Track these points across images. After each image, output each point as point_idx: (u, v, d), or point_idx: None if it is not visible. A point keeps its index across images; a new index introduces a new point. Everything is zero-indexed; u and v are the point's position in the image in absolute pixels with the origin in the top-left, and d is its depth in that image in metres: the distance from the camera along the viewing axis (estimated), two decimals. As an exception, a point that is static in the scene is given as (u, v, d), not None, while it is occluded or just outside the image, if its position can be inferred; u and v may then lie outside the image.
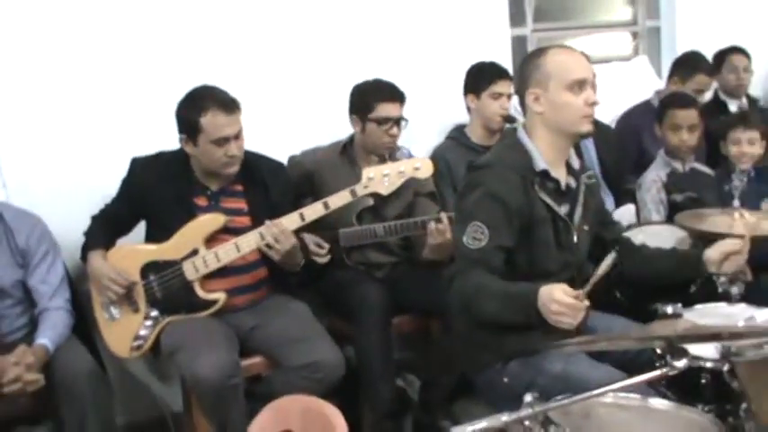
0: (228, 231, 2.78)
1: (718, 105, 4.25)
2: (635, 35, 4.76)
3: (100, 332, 2.87)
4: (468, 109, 3.54)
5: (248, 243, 2.73)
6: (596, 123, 3.79)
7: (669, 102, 3.39)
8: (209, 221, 2.77)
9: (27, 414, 2.69)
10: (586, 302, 1.92)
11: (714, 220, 2.62)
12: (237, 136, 2.71)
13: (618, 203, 3.71)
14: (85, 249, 2.85)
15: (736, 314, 2.33)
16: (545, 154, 2.28)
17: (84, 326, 2.87)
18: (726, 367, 1.82)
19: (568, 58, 2.26)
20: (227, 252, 2.74)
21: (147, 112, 3.19)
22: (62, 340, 2.65)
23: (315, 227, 2.88)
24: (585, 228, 2.38)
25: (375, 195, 2.83)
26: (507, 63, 3.98)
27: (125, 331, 2.81)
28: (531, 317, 2.01)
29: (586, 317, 1.99)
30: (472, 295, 2.13)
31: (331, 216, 2.87)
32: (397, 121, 3.11)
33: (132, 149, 2.92)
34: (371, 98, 3.10)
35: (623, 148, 3.88)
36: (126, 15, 3.19)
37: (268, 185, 2.88)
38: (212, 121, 2.66)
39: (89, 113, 3.15)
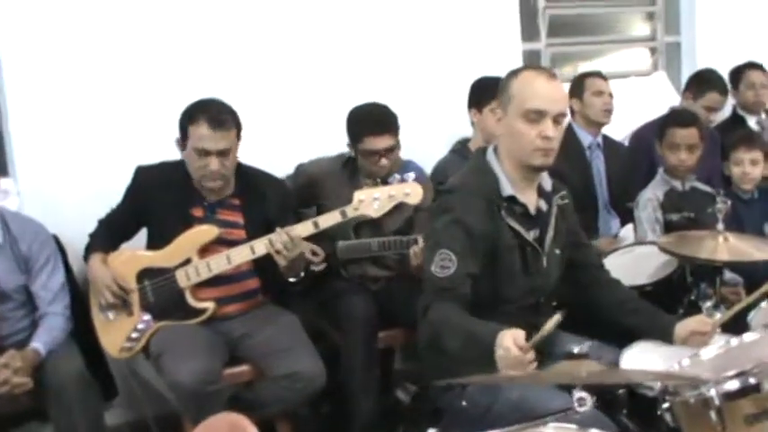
0: (223, 243, 2.85)
1: (736, 121, 4.18)
2: (653, 50, 4.70)
3: (96, 331, 2.96)
4: (472, 123, 3.55)
5: (240, 255, 2.80)
6: (607, 140, 3.83)
7: (669, 119, 3.33)
8: (204, 233, 2.85)
9: (32, 411, 2.79)
10: (532, 356, 1.84)
11: (698, 244, 2.57)
12: (223, 153, 2.76)
13: (624, 222, 3.69)
14: (88, 251, 2.96)
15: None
16: (512, 178, 2.26)
17: (89, 325, 2.96)
18: (665, 405, 1.77)
19: (536, 85, 2.19)
20: (218, 263, 2.81)
21: (158, 121, 3.23)
22: (56, 344, 2.75)
23: (314, 237, 2.90)
24: (557, 251, 2.35)
25: (364, 218, 2.87)
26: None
27: (118, 332, 2.89)
28: (490, 360, 1.93)
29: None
30: (439, 329, 2.11)
31: (331, 227, 2.90)
32: (386, 153, 3.09)
33: (143, 158, 2.99)
34: (359, 129, 3.12)
35: (634, 166, 3.83)
36: (140, 28, 3.29)
37: (266, 201, 2.94)
38: (196, 131, 2.76)
39: (102, 123, 3.26)
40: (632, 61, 4.73)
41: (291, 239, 2.71)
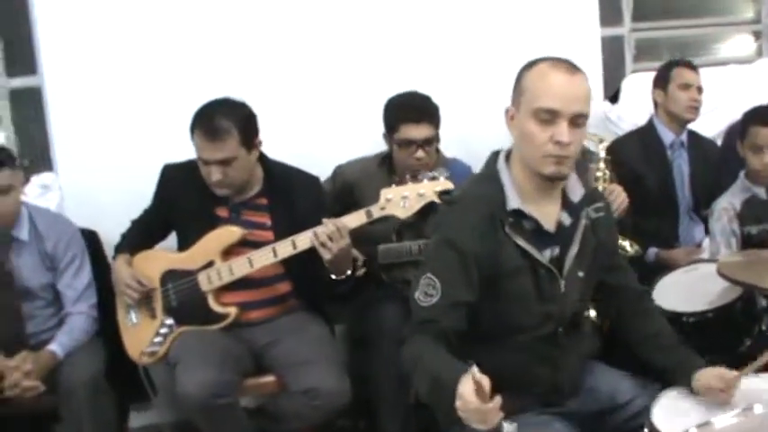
0: (249, 245, 2.70)
1: None
2: (757, 35, 4.19)
3: (120, 333, 2.89)
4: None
5: (263, 258, 2.65)
6: (694, 137, 3.42)
7: (751, 116, 2.89)
8: (226, 234, 2.71)
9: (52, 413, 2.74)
10: (497, 402, 1.56)
11: (765, 268, 2.17)
12: (223, 162, 2.61)
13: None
14: (116, 251, 2.90)
15: (751, 391, 1.89)
16: (523, 188, 1.95)
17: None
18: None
19: (551, 80, 1.87)
20: (240, 266, 2.67)
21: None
22: (75, 345, 2.71)
23: (354, 240, 2.71)
24: (580, 274, 2.01)
25: (392, 218, 2.64)
26: (596, 67, 3.64)
27: (141, 336, 2.81)
28: (452, 409, 1.61)
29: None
30: (411, 369, 1.84)
31: (372, 230, 2.74)
32: (423, 144, 2.88)
33: (184, 156, 2.85)
34: (394, 118, 2.93)
35: (724, 166, 3.40)
36: (178, 26, 3.21)
37: (295, 201, 2.77)
38: (196, 142, 2.65)
39: (144, 120, 3.21)
40: (733, 47, 4.25)
41: (339, 230, 2.54)
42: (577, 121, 1.88)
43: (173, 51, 3.20)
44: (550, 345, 2.00)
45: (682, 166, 3.36)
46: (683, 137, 3.38)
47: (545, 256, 1.96)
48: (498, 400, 1.55)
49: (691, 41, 4.13)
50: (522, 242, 1.92)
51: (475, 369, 1.51)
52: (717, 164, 3.41)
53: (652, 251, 3.19)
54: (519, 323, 1.96)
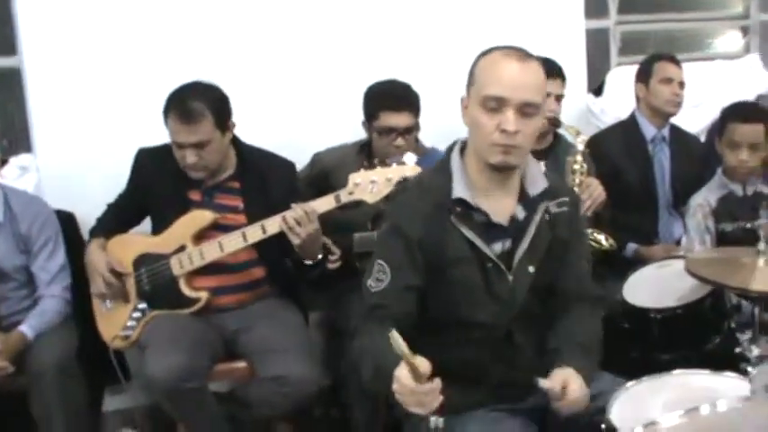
0: (222, 229, 2.70)
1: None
2: (745, 30, 4.16)
3: (95, 317, 2.88)
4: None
5: (233, 242, 2.64)
6: (676, 132, 3.40)
7: (730, 113, 2.87)
8: (197, 218, 2.71)
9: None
10: (434, 384, 1.54)
11: (733, 266, 2.11)
12: (198, 145, 2.61)
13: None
14: (90, 234, 2.89)
15: (711, 389, 1.88)
16: (475, 179, 1.92)
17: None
18: None
19: (500, 68, 1.85)
20: (210, 250, 2.66)
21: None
22: (47, 327, 2.71)
23: (330, 229, 2.73)
24: (530, 269, 1.95)
25: (361, 203, 2.63)
26: (581, 60, 3.61)
27: (115, 320, 2.80)
28: (392, 394, 1.63)
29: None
30: (359, 357, 1.86)
31: (347, 218, 2.76)
32: (404, 132, 2.88)
33: (163, 139, 2.84)
34: (374, 105, 2.92)
35: (709, 163, 3.38)
36: (160, 11, 3.19)
37: (268, 184, 2.76)
38: (170, 125, 2.64)
39: (123, 102, 3.19)
40: (720, 42, 4.23)
41: (307, 214, 2.53)
42: (526, 110, 1.84)
43: (152, 35, 3.18)
44: (504, 342, 1.96)
45: (663, 161, 3.34)
46: (665, 131, 3.36)
47: (495, 249, 1.92)
48: (438, 382, 1.54)
49: (678, 36, 4.10)
50: (468, 233, 1.90)
51: (394, 332, 1.49)
52: (700, 159, 3.39)
53: (631, 247, 3.18)
54: (469, 316, 1.93)
